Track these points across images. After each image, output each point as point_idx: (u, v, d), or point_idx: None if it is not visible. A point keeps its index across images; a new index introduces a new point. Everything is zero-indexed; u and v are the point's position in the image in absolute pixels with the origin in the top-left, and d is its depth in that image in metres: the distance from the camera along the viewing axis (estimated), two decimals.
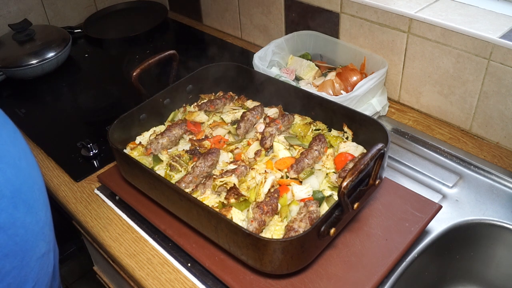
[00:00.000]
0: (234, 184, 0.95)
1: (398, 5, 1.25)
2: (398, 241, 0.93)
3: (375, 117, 1.29)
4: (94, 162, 1.26)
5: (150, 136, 1.12)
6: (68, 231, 1.32)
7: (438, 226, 1.02)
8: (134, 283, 1.03)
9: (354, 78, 1.31)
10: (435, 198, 1.07)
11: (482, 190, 1.10)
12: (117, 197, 1.13)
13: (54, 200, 1.22)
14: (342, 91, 1.30)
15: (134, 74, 1.08)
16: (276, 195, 0.92)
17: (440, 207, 1.00)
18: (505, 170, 1.13)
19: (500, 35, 1.09)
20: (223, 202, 0.94)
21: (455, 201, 1.08)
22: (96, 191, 1.17)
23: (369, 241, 0.94)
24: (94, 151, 1.27)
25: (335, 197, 0.93)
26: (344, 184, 0.77)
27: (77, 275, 1.86)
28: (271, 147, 1.06)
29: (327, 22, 1.44)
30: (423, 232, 0.99)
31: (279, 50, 1.42)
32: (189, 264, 0.97)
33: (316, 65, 1.42)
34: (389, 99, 1.37)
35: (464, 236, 1.05)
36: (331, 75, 1.36)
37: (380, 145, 0.83)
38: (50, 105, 1.55)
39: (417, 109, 1.35)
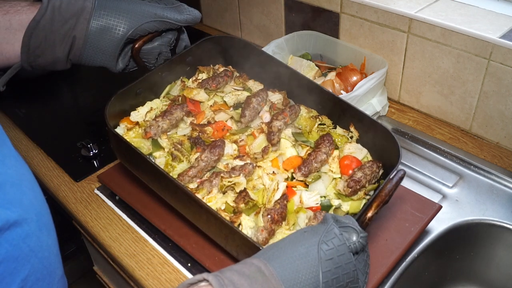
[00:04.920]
0: (245, 188, 0.92)
1: (398, 5, 1.25)
2: (398, 241, 0.93)
3: (375, 117, 1.29)
4: (94, 162, 1.26)
5: (146, 114, 1.06)
6: (68, 231, 1.32)
7: (438, 226, 1.02)
8: (134, 283, 1.03)
9: (354, 78, 1.31)
10: (435, 198, 1.07)
11: (482, 190, 1.10)
12: (117, 197, 1.13)
13: (54, 200, 1.22)
14: (342, 91, 1.30)
15: (136, 46, 0.99)
16: (285, 201, 0.90)
17: (440, 207, 1.00)
18: (505, 170, 1.13)
19: (500, 35, 1.09)
20: (233, 209, 0.91)
21: (455, 201, 1.08)
22: (96, 191, 1.17)
23: (369, 241, 0.93)
24: (94, 151, 1.27)
25: (343, 209, 0.92)
26: (369, 215, 0.77)
27: (77, 275, 1.86)
28: (278, 141, 1.03)
29: (327, 22, 1.44)
30: (423, 232, 0.99)
31: (279, 50, 1.42)
32: (189, 264, 0.97)
33: (316, 65, 1.42)
34: (389, 99, 1.37)
35: (464, 236, 1.05)
36: (331, 75, 1.36)
37: (401, 173, 0.83)
38: (50, 105, 1.55)
39: (417, 109, 1.35)
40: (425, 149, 1.22)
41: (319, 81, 1.36)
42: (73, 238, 1.41)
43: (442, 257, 1.06)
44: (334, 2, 1.38)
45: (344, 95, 1.19)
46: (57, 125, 1.45)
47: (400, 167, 0.87)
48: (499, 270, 1.08)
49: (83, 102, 1.56)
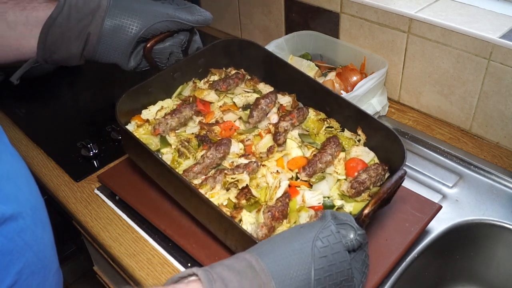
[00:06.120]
0: (247, 185, 0.92)
1: (398, 5, 1.25)
2: (398, 241, 0.93)
3: (376, 116, 1.28)
4: (94, 162, 1.26)
5: (157, 112, 1.07)
6: (68, 231, 1.32)
7: (438, 226, 1.02)
8: (134, 283, 1.03)
9: (354, 78, 1.31)
10: (435, 198, 1.07)
11: (482, 190, 1.10)
12: (117, 197, 1.13)
13: (54, 200, 1.22)
14: (342, 91, 1.30)
15: (148, 45, 1.01)
16: (287, 200, 0.90)
17: (440, 207, 1.00)
18: (505, 170, 1.13)
19: (500, 35, 1.09)
20: (234, 204, 0.91)
21: (455, 201, 1.08)
22: (96, 191, 1.17)
23: (369, 241, 0.93)
24: (94, 151, 1.27)
25: (346, 209, 0.92)
26: (366, 212, 0.77)
27: (77, 275, 1.86)
28: (284, 142, 1.03)
29: (327, 22, 1.44)
30: (423, 232, 0.99)
31: (279, 50, 1.42)
32: (189, 264, 0.97)
33: (316, 65, 1.42)
34: (389, 99, 1.37)
35: (464, 236, 1.05)
36: (331, 75, 1.36)
37: (401, 172, 0.83)
38: (50, 105, 1.55)
39: (417, 109, 1.35)
40: (425, 149, 1.22)
41: (319, 81, 1.36)
42: (73, 238, 1.41)
43: (442, 257, 1.06)
44: (334, 2, 1.38)
45: (344, 95, 1.19)
46: (57, 125, 1.45)
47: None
48: (499, 270, 1.08)
49: (83, 102, 1.56)
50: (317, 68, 1.41)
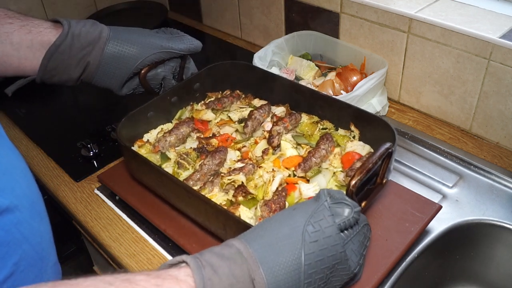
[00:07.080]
0: (242, 182, 0.95)
1: (398, 5, 1.25)
2: (398, 241, 0.93)
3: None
4: (94, 162, 1.26)
5: (157, 134, 1.12)
6: (68, 231, 1.32)
7: (438, 226, 1.02)
8: None
9: (354, 78, 1.31)
10: (435, 198, 1.07)
11: (482, 190, 1.10)
12: (117, 197, 1.13)
13: (54, 200, 1.22)
14: (342, 91, 1.30)
15: (143, 72, 1.07)
16: (284, 193, 0.92)
17: (440, 207, 1.00)
18: (505, 170, 1.13)
19: (500, 35, 1.09)
20: (231, 200, 0.94)
21: (455, 201, 1.08)
22: (96, 191, 1.17)
23: (369, 241, 0.94)
24: (94, 151, 1.27)
25: None
26: (353, 182, 0.77)
27: (77, 275, 1.86)
28: (279, 145, 1.06)
29: (327, 22, 1.44)
30: (423, 232, 0.99)
31: (279, 50, 1.42)
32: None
33: (316, 65, 1.42)
34: (389, 99, 1.37)
35: (464, 236, 1.05)
36: (331, 75, 1.36)
37: (388, 144, 0.84)
38: (50, 105, 1.55)
39: (417, 109, 1.35)
40: (425, 149, 1.22)
41: (319, 81, 1.37)
42: (73, 238, 1.41)
43: (442, 257, 1.06)
44: (334, 2, 1.38)
45: (344, 95, 1.19)
46: (57, 125, 1.45)
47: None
48: (499, 270, 1.08)
49: (83, 102, 1.56)
50: (317, 68, 1.41)
